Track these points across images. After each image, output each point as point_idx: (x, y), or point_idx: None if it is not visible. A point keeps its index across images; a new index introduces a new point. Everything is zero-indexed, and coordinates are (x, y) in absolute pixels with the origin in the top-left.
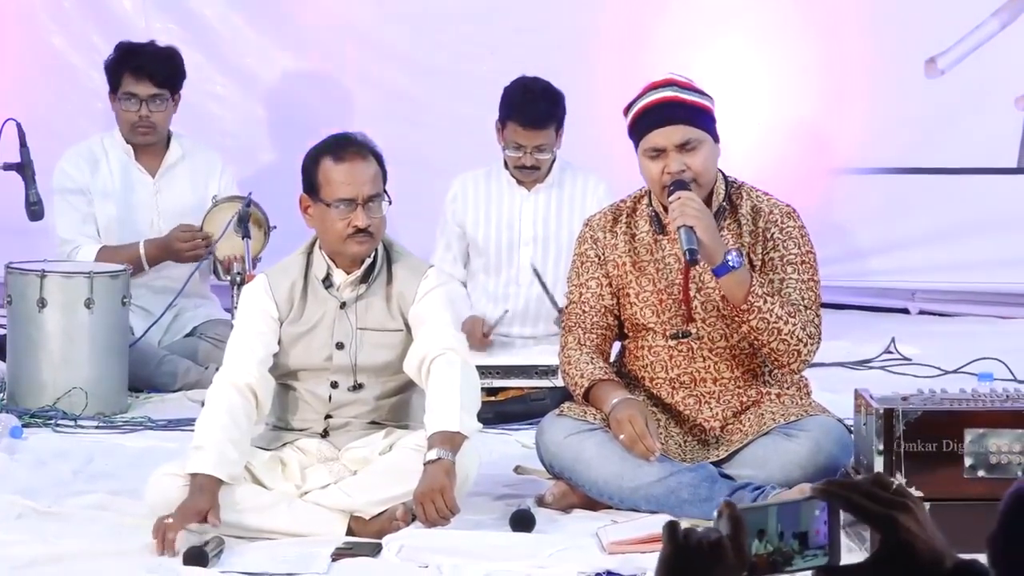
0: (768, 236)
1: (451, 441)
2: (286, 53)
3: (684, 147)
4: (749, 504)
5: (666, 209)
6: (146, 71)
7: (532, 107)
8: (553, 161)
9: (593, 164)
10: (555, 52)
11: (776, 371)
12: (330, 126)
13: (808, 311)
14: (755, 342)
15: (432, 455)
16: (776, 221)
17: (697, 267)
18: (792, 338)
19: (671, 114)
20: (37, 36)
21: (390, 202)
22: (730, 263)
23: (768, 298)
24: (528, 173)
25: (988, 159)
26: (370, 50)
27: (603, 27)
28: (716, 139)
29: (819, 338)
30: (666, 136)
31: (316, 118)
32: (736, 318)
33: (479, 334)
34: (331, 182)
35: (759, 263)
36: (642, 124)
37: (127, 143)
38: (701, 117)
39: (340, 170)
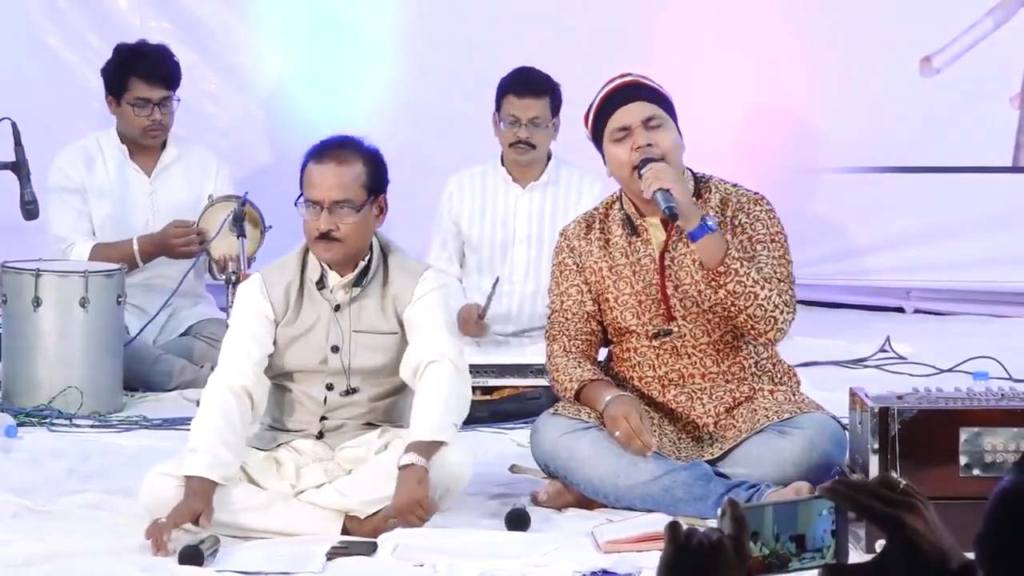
0: (736, 223)
1: (427, 449)
2: (281, 52)
3: (649, 123)
4: (744, 504)
5: (637, 209)
6: (157, 75)
7: (527, 77)
8: (549, 159)
9: (591, 164)
10: (553, 50)
11: (753, 341)
12: (326, 126)
13: (782, 283)
14: (731, 308)
15: (406, 460)
16: (743, 207)
17: (672, 265)
18: (768, 304)
19: (633, 93)
20: (32, 35)
21: (381, 210)
22: (708, 224)
23: (744, 262)
24: (524, 151)
25: (983, 158)
26: (366, 48)
27: (599, 23)
28: (679, 132)
29: (794, 308)
30: (630, 113)
31: (312, 118)
32: (713, 282)
33: (474, 316)
34: (306, 182)
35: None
36: (604, 111)
37: (123, 143)
38: (663, 101)
39: (314, 171)
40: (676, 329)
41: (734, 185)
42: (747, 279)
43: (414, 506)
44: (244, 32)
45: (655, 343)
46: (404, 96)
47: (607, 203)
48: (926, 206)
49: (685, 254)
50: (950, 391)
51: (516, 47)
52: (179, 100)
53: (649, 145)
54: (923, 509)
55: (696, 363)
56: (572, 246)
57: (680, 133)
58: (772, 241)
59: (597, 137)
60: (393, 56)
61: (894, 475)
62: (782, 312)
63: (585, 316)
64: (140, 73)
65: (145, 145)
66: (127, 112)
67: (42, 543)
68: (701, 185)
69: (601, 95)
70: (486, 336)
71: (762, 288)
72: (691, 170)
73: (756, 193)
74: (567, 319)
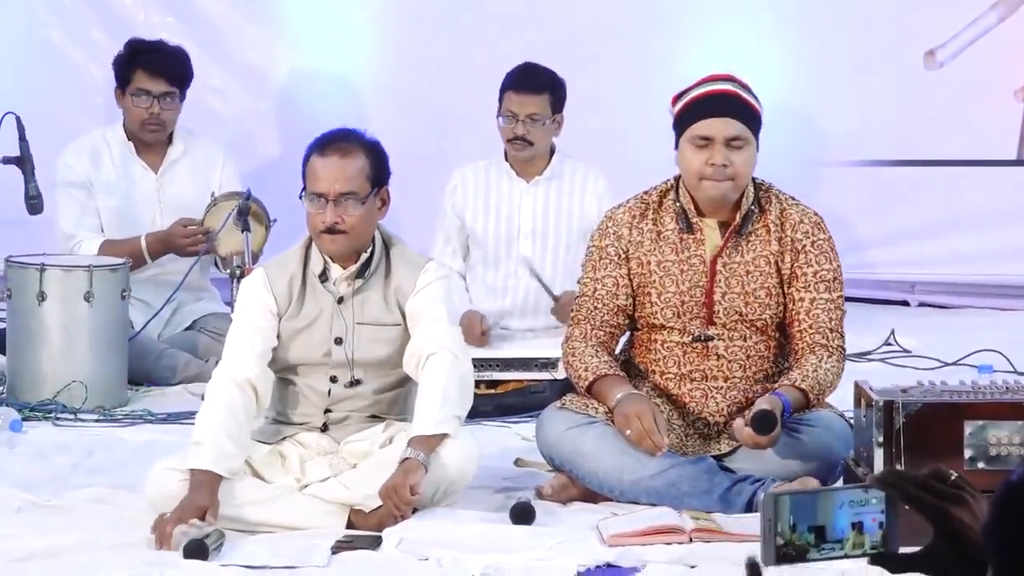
0: (800, 248)
1: (427, 443)
2: (285, 47)
3: (732, 142)
4: (774, 491)
5: (696, 206)
6: (160, 68)
7: (528, 73)
8: (552, 153)
9: (596, 157)
10: (555, 45)
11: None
12: (329, 120)
13: (832, 337)
14: None
15: (405, 453)
16: (808, 233)
17: (724, 271)
18: (837, 382)
19: (726, 106)
20: (36, 30)
21: (384, 202)
22: (786, 418)
23: (815, 386)
24: (521, 147)
25: (988, 151)
26: (369, 43)
27: (603, 19)
28: (758, 146)
29: (844, 355)
30: (717, 127)
31: (316, 112)
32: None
33: (477, 332)
34: (310, 176)
35: (788, 273)
36: (694, 112)
37: (129, 139)
38: (753, 119)
39: (318, 164)
40: (715, 334)
41: (792, 198)
42: (824, 394)
43: (391, 492)
44: (249, 27)
45: (687, 343)
46: (409, 90)
47: (661, 190)
48: (930, 199)
49: (740, 263)
50: (955, 384)
51: (522, 43)
52: (183, 100)
53: (724, 166)
54: (972, 502)
55: (723, 366)
56: (620, 234)
57: (758, 146)
58: (834, 279)
59: (678, 127)
60: (398, 50)
61: (945, 468)
62: (842, 374)
63: (615, 309)
64: (144, 64)
65: (144, 140)
66: (129, 103)
67: (46, 537)
68: (761, 195)
69: (696, 93)
70: (488, 345)
71: (830, 383)
72: (754, 179)
73: (815, 213)
74: (596, 308)
